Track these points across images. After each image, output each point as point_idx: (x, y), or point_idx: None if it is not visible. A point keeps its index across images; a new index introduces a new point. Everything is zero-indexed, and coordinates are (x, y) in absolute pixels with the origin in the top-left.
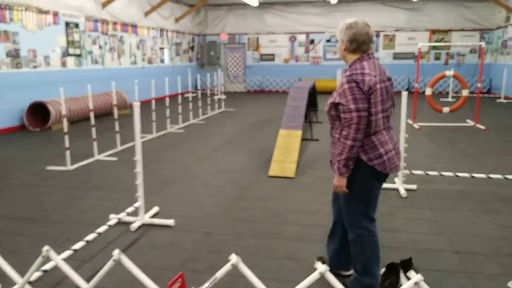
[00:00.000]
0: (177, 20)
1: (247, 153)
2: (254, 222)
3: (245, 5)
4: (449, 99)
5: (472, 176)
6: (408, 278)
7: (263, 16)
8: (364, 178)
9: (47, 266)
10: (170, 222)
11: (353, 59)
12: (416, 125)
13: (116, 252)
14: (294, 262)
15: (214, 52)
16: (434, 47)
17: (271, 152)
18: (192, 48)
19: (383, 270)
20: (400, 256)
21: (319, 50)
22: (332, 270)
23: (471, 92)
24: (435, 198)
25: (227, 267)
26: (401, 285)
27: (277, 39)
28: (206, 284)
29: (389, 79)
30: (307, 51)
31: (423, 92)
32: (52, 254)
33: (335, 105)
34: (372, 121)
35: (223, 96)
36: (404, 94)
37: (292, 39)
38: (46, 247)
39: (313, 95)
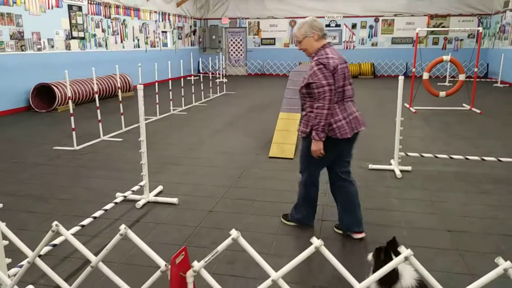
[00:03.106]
0: (178, 4)
1: (248, 135)
2: (254, 201)
3: None
4: (446, 84)
5: (466, 158)
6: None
7: (263, 1)
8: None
9: (56, 241)
10: (174, 200)
11: (318, 47)
12: (412, 109)
13: (122, 227)
14: (292, 239)
15: (216, 36)
16: (432, 32)
17: (271, 134)
18: (194, 32)
19: (371, 254)
20: (393, 233)
21: None
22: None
23: (468, 77)
24: (429, 179)
25: (227, 241)
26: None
27: (278, 24)
28: (208, 257)
29: (346, 62)
30: None
31: (421, 77)
32: (61, 228)
33: (307, 86)
34: None
35: (225, 80)
36: (401, 78)
37: (292, 23)
38: (55, 222)
39: None
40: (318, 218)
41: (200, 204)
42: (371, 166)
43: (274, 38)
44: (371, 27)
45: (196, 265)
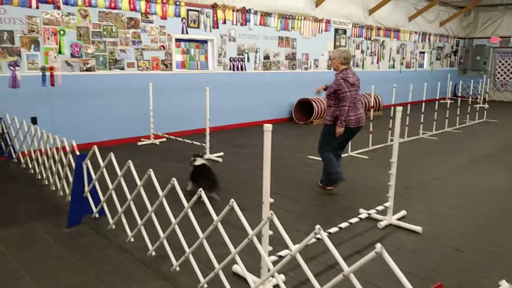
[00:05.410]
0: (442, 23)
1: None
2: None
3: None
4: None
5: None
6: None
7: None
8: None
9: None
10: (418, 228)
11: (342, 68)
12: None
13: (378, 246)
14: None
15: (481, 57)
16: None
17: None
18: (455, 52)
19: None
20: None
21: None
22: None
23: None
24: None
25: None
26: None
27: None
28: None
29: (358, 79)
30: None
31: None
32: (322, 233)
33: (334, 92)
34: None
35: (486, 105)
36: None
37: None
38: (318, 226)
39: None
40: None
41: (446, 239)
42: None
43: None
44: None
45: None
